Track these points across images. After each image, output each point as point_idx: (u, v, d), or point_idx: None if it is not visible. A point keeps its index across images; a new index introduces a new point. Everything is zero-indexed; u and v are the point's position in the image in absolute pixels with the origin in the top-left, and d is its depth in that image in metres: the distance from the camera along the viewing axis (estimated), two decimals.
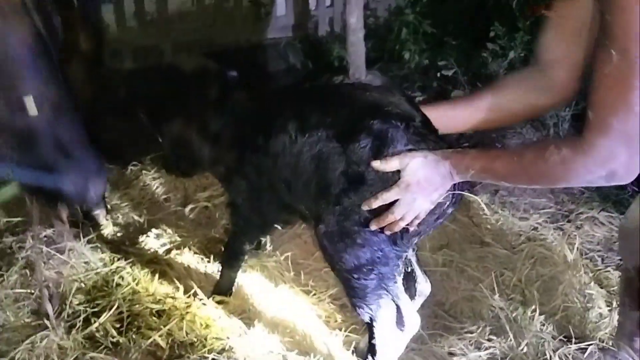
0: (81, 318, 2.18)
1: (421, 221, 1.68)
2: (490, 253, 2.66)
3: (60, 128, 2.31)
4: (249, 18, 5.29)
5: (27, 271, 2.43)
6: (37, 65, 2.23)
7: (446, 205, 1.70)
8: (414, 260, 2.02)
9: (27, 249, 2.51)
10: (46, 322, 2.14)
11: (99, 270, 2.47)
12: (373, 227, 1.66)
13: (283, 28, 5.57)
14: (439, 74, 4.37)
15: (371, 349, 1.88)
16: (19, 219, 2.79)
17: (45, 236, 2.61)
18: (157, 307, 2.25)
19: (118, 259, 2.55)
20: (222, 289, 2.33)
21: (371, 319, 1.84)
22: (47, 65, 2.27)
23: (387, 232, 1.67)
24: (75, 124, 2.39)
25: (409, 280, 2.02)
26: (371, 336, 1.87)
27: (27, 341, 2.07)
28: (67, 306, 2.23)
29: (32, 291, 2.34)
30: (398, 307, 1.86)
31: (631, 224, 1.81)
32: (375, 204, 1.64)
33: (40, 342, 2.07)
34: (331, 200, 1.72)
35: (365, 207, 1.65)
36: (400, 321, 1.88)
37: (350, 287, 1.81)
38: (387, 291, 1.81)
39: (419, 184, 1.60)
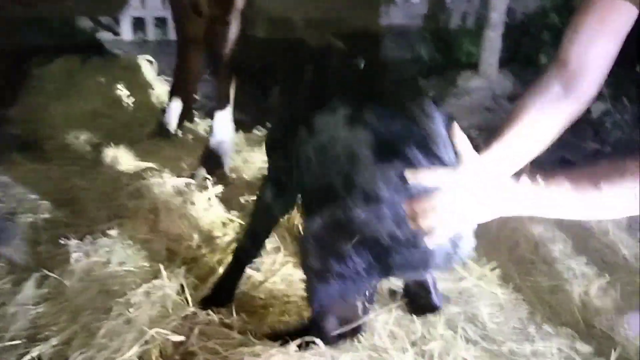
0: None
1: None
2: None
3: None
4: (384, 1, 5.21)
5: (153, 217, 2.45)
6: None
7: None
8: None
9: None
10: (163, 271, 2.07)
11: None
12: (406, 207, 1.44)
13: (415, 16, 5.47)
14: None
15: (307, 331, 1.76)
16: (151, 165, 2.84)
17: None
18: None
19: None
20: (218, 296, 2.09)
21: (316, 315, 1.74)
22: None
23: (411, 225, 1.45)
24: None
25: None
26: (310, 324, 1.78)
27: (144, 286, 2.01)
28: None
29: (155, 238, 2.35)
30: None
31: None
32: (422, 177, 1.43)
33: (156, 290, 2.01)
34: (330, 199, 1.62)
35: (408, 177, 1.43)
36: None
37: (309, 282, 1.72)
38: (345, 300, 1.70)
39: (466, 182, 1.37)
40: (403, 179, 1.44)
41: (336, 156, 1.66)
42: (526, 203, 1.32)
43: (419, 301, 2.02)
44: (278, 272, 2.22)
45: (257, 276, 2.19)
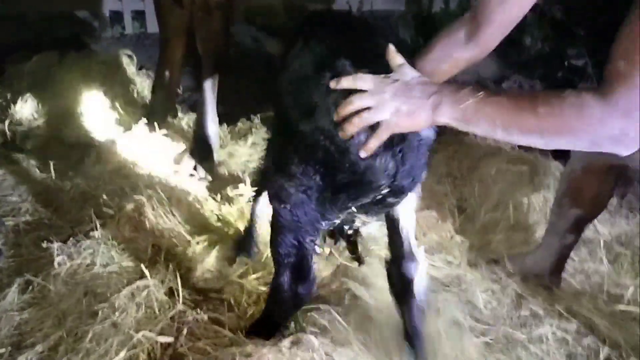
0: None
1: (357, 199, 1.53)
2: None
3: None
4: None
5: (136, 215, 2.40)
6: None
7: (385, 190, 1.51)
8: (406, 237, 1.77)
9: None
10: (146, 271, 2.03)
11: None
12: (335, 115, 1.43)
13: (397, 0, 5.42)
14: (566, 63, 4.08)
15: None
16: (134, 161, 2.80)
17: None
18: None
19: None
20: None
21: (275, 259, 1.73)
22: None
23: (343, 132, 1.42)
24: None
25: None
26: (271, 289, 1.78)
27: (128, 288, 1.97)
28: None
29: (139, 236, 2.30)
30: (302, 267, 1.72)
31: None
32: (344, 82, 1.41)
33: (141, 291, 1.97)
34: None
35: (332, 85, 1.43)
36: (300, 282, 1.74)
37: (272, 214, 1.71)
38: (298, 241, 1.67)
39: (396, 84, 1.38)
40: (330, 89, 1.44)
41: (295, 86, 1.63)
42: (462, 113, 1.34)
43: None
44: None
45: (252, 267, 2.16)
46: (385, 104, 1.37)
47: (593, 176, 2.09)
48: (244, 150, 3.10)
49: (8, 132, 3.22)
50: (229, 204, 2.55)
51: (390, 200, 1.57)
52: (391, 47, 1.44)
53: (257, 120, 3.32)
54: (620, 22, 1.80)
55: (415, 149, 1.48)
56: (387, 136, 1.40)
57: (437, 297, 2.02)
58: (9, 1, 4.40)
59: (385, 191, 1.52)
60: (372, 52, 1.51)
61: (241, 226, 2.38)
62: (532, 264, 2.27)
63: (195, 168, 2.87)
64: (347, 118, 1.41)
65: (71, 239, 2.21)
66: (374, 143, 1.41)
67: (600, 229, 2.58)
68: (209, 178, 2.87)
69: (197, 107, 3.06)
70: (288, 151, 1.59)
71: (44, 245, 2.18)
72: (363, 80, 1.40)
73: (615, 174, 2.10)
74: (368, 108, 1.39)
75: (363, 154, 1.42)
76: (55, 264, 2.06)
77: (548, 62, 4.50)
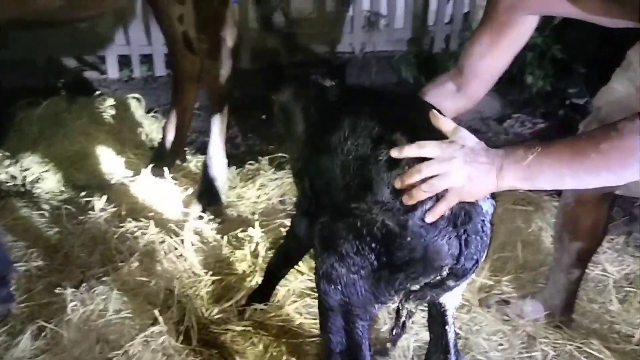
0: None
1: (415, 282, 1.47)
2: None
3: None
4: (367, 28, 5.26)
5: (148, 259, 2.42)
6: None
7: (446, 272, 1.45)
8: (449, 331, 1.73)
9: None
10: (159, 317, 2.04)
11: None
12: (396, 183, 1.39)
13: (399, 41, 5.51)
14: (568, 102, 4.14)
15: None
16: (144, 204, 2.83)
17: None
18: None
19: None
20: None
21: (326, 346, 1.63)
22: None
23: (406, 201, 1.38)
24: None
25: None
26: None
27: (141, 335, 1.97)
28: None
29: (151, 280, 2.32)
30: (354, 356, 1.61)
31: None
32: (408, 151, 1.38)
33: (155, 337, 1.97)
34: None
35: (393, 154, 1.40)
36: None
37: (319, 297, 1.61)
38: (349, 325, 1.58)
39: (463, 149, 1.35)
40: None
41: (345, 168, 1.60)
42: (526, 171, 1.31)
43: None
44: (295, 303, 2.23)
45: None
46: (456, 171, 1.34)
47: (586, 207, 2.09)
48: (252, 192, 3.12)
49: (19, 177, 3.26)
50: (240, 245, 2.57)
51: (450, 283, 1.50)
52: (436, 113, 1.43)
53: (264, 161, 3.35)
54: (619, 59, 1.87)
55: (480, 230, 1.44)
56: (455, 202, 1.37)
57: None
58: (18, 47, 4.48)
59: (445, 273, 1.46)
60: (419, 121, 1.49)
61: (250, 267, 2.42)
62: (542, 303, 2.27)
63: (204, 210, 2.89)
64: (411, 187, 1.37)
65: (83, 284, 2.22)
66: (443, 208, 1.37)
67: (609, 268, 2.58)
68: (218, 220, 2.89)
69: (205, 149, 3.09)
70: (338, 229, 1.52)
71: (57, 290, 2.19)
72: (429, 148, 1.37)
73: (608, 202, 2.10)
74: (435, 175, 1.35)
75: (429, 218, 1.38)
76: (68, 310, 2.08)
77: (549, 100, 4.57)
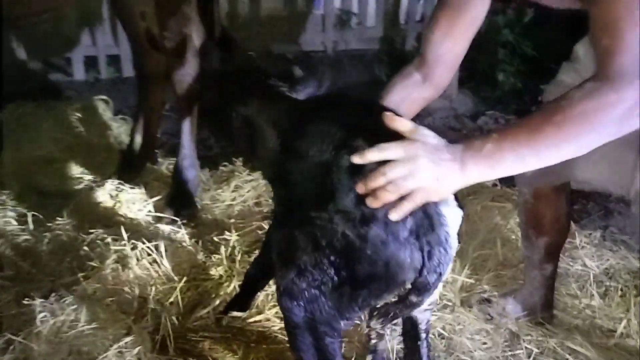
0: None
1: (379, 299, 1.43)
2: None
3: None
4: (339, 27, 5.24)
5: (120, 266, 2.34)
6: None
7: (409, 286, 1.40)
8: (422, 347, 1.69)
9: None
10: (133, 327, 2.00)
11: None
12: (359, 188, 1.33)
13: (371, 40, 5.50)
14: (540, 98, 4.15)
15: None
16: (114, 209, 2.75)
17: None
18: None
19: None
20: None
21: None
22: None
23: (372, 204, 1.32)
24: None
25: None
26: None
27: (115, 346, 1.90)
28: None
29: (124, 288, 2.24)
30: None
31: None
32: (370, 155, 1.33)
33: (130, 348, 1.90)
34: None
35: (355, 160, 1.35)
36: None
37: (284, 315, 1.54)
38: (318, 342, 1.51)
39: (426, 147, 1.32)
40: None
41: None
42: (486, 159, 1.29)
43: None
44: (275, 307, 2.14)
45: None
46: (423, 170, 1.30)
47: (544, 201, 2.09)
48: (227, 195, 3.05)
49: None
50: (215, 250, 2.50)
51: (413, 298, 1.42)
52: (390, 114, 1.38)
53: (238, 163, 3.28)
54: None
55: (444, 241, 1.37)
56: (422, 202, 1.33)
57: (434, 342, 1.99)
58: None
59: (408, 287, 1.40)
60: (380, 126, 1.40)
61: (227, 271, 2.35)
62: (522, 301, 2.26)
63: (177, 214, 2.82)
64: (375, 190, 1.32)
65: (53, 294, 2.13)
66: (408, 206, 1.32)
67: (588, 262, 2.59)
68: (192, 224, 2.82)
69: (176, 151, 3.01)
70: (296, 240, 1.46)
71: (25, 301, 2.10)
72: (391, 149, 1.32)
73: (566, 194, 2.10)
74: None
75: (394, 216, 1.32)
76: (37, 321, 1.98)
77: (522, 97, 4.60)
